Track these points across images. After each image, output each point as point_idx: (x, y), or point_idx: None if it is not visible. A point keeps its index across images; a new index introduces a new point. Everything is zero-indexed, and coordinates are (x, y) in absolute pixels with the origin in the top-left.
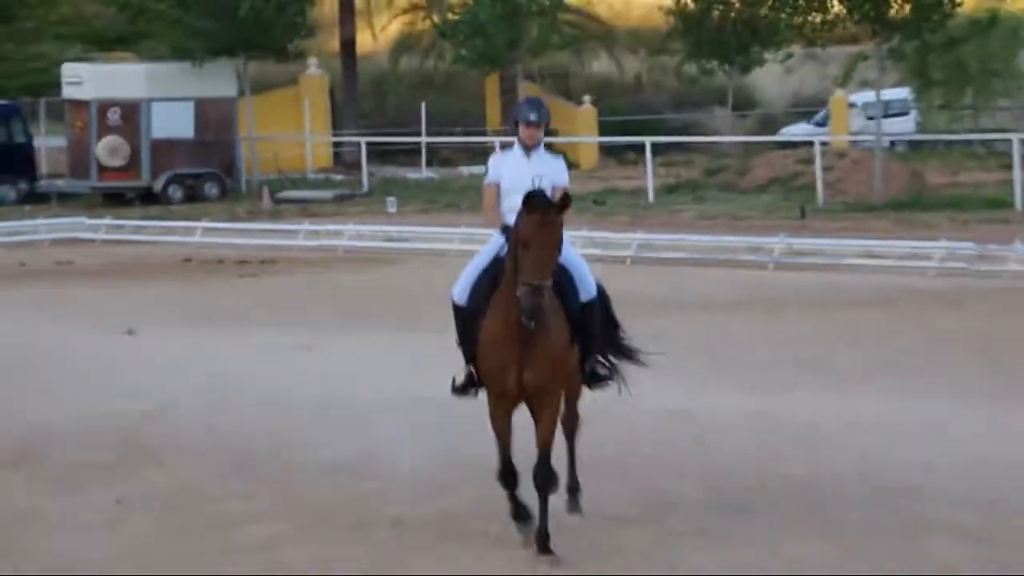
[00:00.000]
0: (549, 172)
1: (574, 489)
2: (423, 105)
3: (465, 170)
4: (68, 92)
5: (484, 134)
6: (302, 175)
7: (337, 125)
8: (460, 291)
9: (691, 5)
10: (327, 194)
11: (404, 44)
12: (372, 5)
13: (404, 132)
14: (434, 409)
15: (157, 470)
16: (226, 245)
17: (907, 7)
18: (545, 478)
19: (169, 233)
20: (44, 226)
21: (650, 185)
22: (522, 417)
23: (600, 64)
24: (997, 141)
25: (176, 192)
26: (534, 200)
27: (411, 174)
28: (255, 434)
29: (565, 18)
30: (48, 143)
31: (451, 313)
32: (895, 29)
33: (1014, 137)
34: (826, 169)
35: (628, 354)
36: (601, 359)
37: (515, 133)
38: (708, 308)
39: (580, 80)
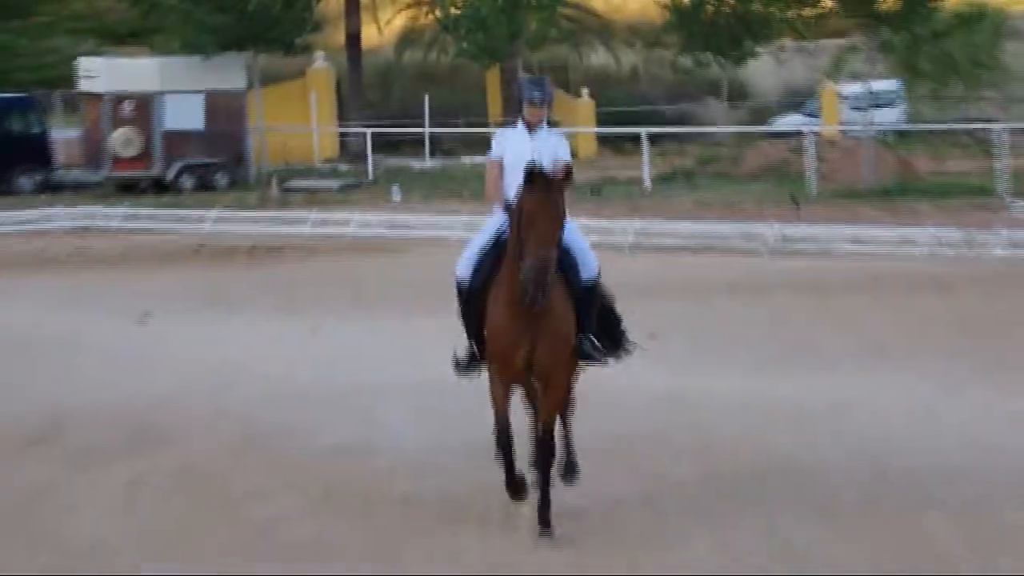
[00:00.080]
0: (551, 150)
1: (571, 468)
2: (426, 97)
3: (467, 160)
4: (83, 85)
5: (486, 125)
6: (309, 165)
7: (343, 116)
8: (463, 269)
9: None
10: (333, 183)
11: (408, 38)
12: (377, 0)
13: (408, 123)
14: (438, 392)
15: (169, 450)
16: (236, 233)
17: (895, 1)
18: (547, 453)
19: (181, 221)
20: (60, 214)
21: (646, 174)
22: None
23: (597, 57)
24: (982, 130)
25: (187, 181)
26: (534, 173)
27: (415, 164)
28: (263, 416)
29: (563, 12)
30: (63, 134)
31: (455, 292)
32: (884, 22)
33: (998, 127)
34: (817, 158)
35: (617, 343)
36: (593, 339)
37: (519, 113)
38: (703, 293)
39: (578, 73)
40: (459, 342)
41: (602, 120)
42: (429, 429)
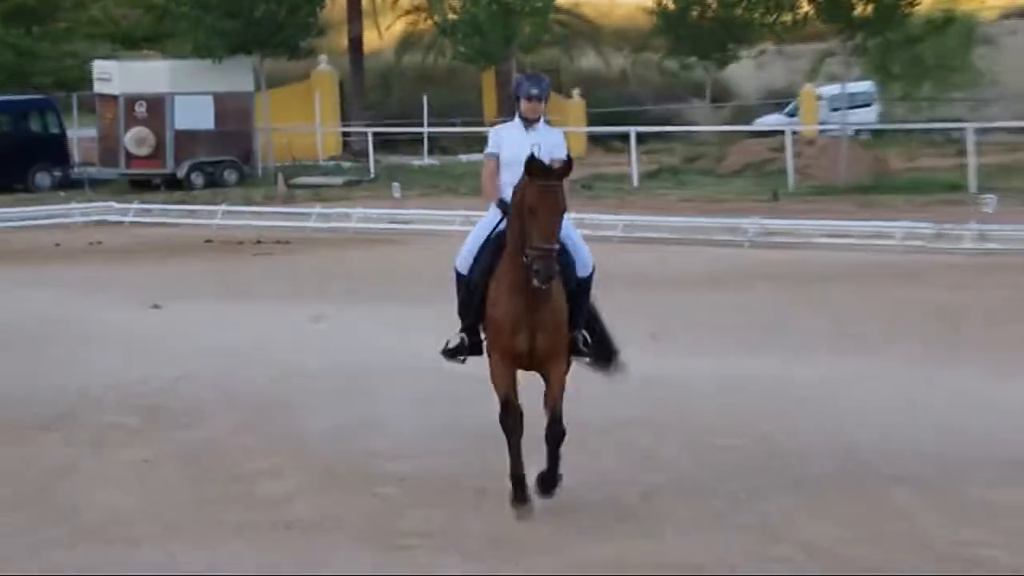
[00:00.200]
0: (548, 144)
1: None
2: (425, 98)
3: (464, 157)
4: (99, 87)
5: (482, 124)
6: (314, 162)
7: (346, 116)
8: (463, 261)
9: (671, 5)
10: (337, 180)
11: (407, 42)
12: (378, 6)
13: (408, 123)
14: (436, 377)
15: (181, 431)
16: (244, 227)
17: (869, 7)
18: (557, 435)
19: (192, 216)
20: (77, 210)
21: (634, 171)
22: (524, 397)
23: (588, 60)
24: (952, 130)
25: (198, 178)
26: (535, 165)
27: (414, 161)
28: (270, 398)
29: (556, 18)
30: (80, 134)
31: (454, 284)
32: (859, 27)
33: (968, 126)
34: (796, 156)
35: (607, 355)
36: (586, 334)
37: (516, 108)
38: (687, 283)
39: (570, 75)
40: (451, 332)
41: (592, 120)
42: (429, 412)
